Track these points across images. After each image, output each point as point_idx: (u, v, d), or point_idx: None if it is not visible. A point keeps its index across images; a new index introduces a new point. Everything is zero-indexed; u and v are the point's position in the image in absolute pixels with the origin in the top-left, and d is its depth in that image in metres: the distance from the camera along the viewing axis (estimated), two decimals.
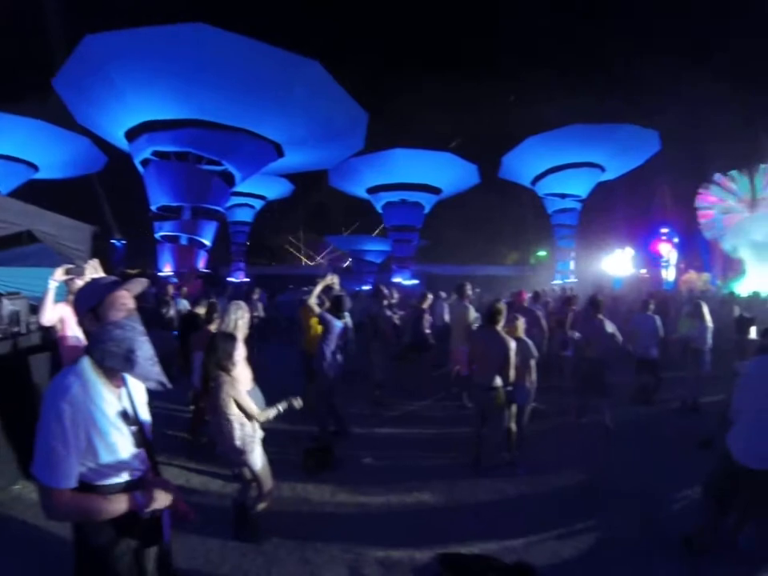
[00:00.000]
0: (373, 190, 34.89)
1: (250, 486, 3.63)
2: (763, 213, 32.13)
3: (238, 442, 3.34)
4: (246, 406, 3.38)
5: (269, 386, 4.19)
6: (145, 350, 1.76)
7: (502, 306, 5.20)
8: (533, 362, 5.44)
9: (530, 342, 5.44)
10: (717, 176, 34.94)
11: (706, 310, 7.48)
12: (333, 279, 5.96)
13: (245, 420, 3.40)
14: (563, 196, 33.86)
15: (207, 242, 24.81)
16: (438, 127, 39.49)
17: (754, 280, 29.39)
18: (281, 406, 3.57)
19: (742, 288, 26.09)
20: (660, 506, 4.31)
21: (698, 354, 7.34)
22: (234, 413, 3.34)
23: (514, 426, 5.31)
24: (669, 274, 36.46)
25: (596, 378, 6.25)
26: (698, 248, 37.54)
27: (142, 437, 1.81)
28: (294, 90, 19.96)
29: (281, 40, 18.67)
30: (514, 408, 5.27)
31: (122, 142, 24.23)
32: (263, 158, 24.63)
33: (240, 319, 4.20)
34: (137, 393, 1.87)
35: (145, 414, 1.90)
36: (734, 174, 34.35)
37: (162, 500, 1.75)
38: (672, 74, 41.43)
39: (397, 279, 33.66)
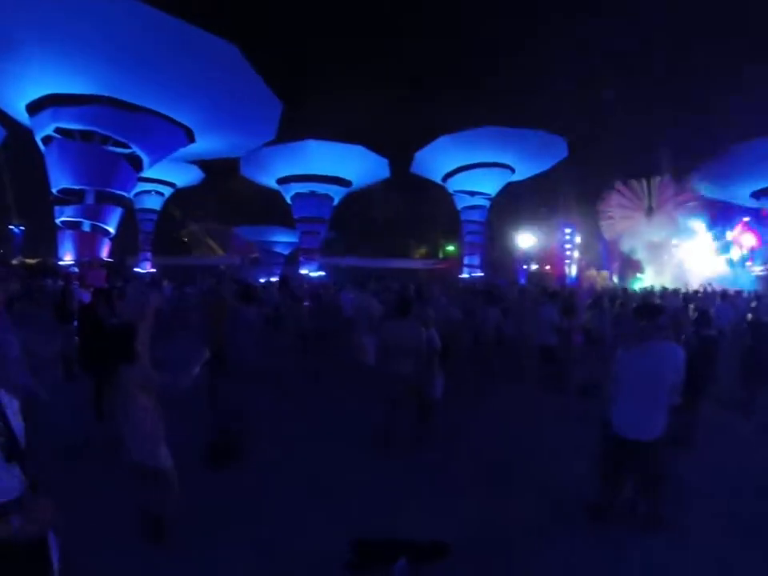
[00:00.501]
0: (283, 181, 34.17)
1: (158, 487, 3.48)
2: (657, 218, 35.31)
3: (148, 439, 3.23)
4: (162, 378, 3.28)
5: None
6: (12, 353, 1.56)
7: (411, 297, 5.31)
8: (437, 352, 5.56)
9: (434, 332, 5.58)
10: (618, 183, 37.93)
11: (605, 301, 8.29)
12: (233, 271, 5.90)
13: (154, 414, 3.29)
14: (473, 194, 34.87)
15: (111, 230, 23.15)
16: (352, 120, 39.33)
17: (650, 277, 32.46)
18: (200, 359, 3.46)
19: (639, 284, 29.04)
20: (566, 480, 4.59)
21: (600, 340, 8.06)
22: (146, 405, 3.22)
23: (425, 414, 5.44)
24: (571, 271, 39.14)
25: (489, 360, 6.63)
26: (599, 248, 40.75)
27: (13, 449, 1.56)
28: (209, 73, 19.10)
29: (200, 20, 17.81)
30: (424, 396, 5.40)
31: (22, 116, 22.16)
32: (173, 142, 23.41)
33: (145, 309, 4.03)
34: (5, 397, 1.64)
35: (17, 422, 1.62)
36: (633, 183, 37.49)
37: (42, 522, 1.57)
38: (583, 86, 44.09)
39: (304, 271, 33.42)
